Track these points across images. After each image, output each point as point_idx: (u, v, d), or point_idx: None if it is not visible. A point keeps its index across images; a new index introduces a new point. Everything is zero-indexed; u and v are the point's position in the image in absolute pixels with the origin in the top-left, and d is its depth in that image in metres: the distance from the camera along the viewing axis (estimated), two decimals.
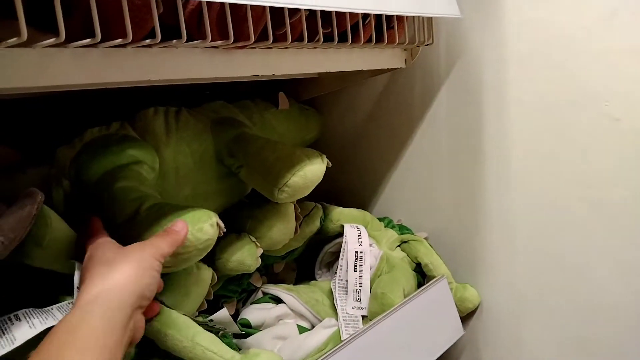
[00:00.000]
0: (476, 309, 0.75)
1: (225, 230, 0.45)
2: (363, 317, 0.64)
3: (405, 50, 0.69)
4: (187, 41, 0.40)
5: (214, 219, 0.44)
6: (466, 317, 0.75)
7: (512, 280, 0.70)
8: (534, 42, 0.62)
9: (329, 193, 0.85)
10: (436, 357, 0.67)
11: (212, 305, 0.57)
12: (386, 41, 0.60)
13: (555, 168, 0.63)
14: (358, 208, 0.78)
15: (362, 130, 0.88)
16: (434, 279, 0.70)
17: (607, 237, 0.61)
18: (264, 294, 0.66)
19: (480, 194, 0.72)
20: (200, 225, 0.42)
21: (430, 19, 0.65)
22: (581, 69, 0.59)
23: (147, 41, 0.39)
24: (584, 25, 0.58)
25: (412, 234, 0.79)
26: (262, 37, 0.47)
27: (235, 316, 0.63)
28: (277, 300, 0.65)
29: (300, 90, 0.85)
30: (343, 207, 0.76)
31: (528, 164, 0.66)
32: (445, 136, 0.75)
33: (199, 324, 0.47)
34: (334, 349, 0.54)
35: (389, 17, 0.58)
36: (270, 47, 0.51)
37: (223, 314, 0.55)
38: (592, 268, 0.62)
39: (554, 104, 0.62)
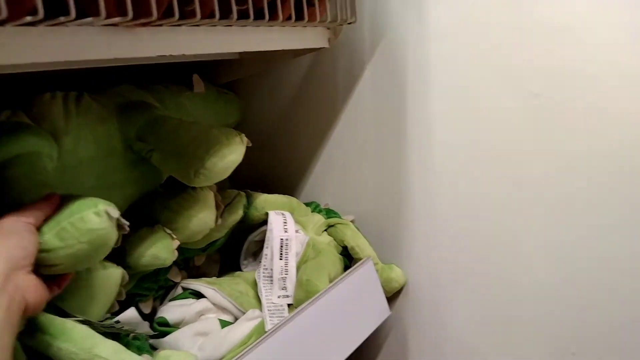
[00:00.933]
0: (402, 288, 0.76)
1: (128, 224, 0.41)
2: (289, 305, 0.63)
3: (328, 29, 0.67)
4: (78, 18, 0.36)
5: (101, 206, 0.39)
6: (392, 297, 0.77)
7: (437, 260, 0.72)
8: (455, 19, 0.62)
9: (253, 180, 0.83)
10: (363, 339, 0.68)
11: (126, 306, 0.53)
12: (307, 19, 0.57)
13: (477, 146, 0.64)
14: (284, 194, 0.76)
15: (287, 113, 0.85)
16: (360, 262, 0.71)
17: (530, 215, 0.61)
18: (184, 289, 0.63)
19: (404, 176, 0.72)
20: (81, 215, 0.38)
21: None
22: (501, 45, 0.59)
23: (29, 18, 0.34)
24: (504, 1, 0.58)
25: (339, 217, 0.78)
26: (168, 13, 0.43)
27: (153, 315, 0.60)
28: (198, 296, 0.62)
29: (220, 73, 0.81)
30: (269, 194, 0.74)
31: (450, 145, 0.67)
32: (370, 118, 0.74)
33: (105, 328, 0.44)
34: (258, 340, 0.53)
35: None
36: (179, 25, 0.47)
37: (130, 314, 0.51)
38: (516, 247, 0.64)
39: (475, 81, 0.62)
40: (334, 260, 0.70)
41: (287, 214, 0.69)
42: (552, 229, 0.60)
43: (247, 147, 0.55)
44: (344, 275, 0.67)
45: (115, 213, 0.40)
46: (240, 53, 0.73)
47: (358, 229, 0.76)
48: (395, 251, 0.77)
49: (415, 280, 0.75)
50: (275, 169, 0.89)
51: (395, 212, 0.75)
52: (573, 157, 0.57)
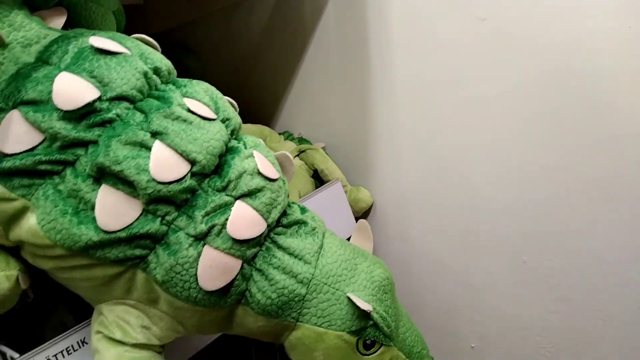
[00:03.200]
0: (370, 208, 0.83)
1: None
2: None
3: None
4: None
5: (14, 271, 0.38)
6: (360, 217, 0.83)
7: (400, 182, 0.77)
8: None
9: None
10: None
11: None
12: None
13: (431, 72, 0.68)
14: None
15: (258, 48, 0.89)
16: (329, 182, 0.76)
17: (484, 135, 0.65)
18: None
19: (369, 104, 0.77)
20: None
21: None
22: None
23: None
24: None
25: (311, 144, 0.83)
26: None
27: None
28: None
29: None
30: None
31: (407, 71, 0.71)
32: (335, 51, 0.78)
33: None
34: None
35: None
36: None
37: None
38: (472, 163, 0.68)
39: (424, 7, 0.66)
40: (305, 180, 0.75)
41: (259, 140, 0.74)
42: (502, 144, 0.65)
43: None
44: (313, 192, 0.72)
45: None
46: None
47: (328, 154, 0.81)
48: (363, 175, 0.82)
49: (381, 201, 0.82)
50: (250, 101, 0.93)
51: (363, 139, 0.80)
52: (520, 78, 0.61)
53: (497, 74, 0.63)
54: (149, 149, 0.35)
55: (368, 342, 0.40)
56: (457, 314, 0.77)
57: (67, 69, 0.37)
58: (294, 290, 0.39)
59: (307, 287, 0.39)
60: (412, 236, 0.79)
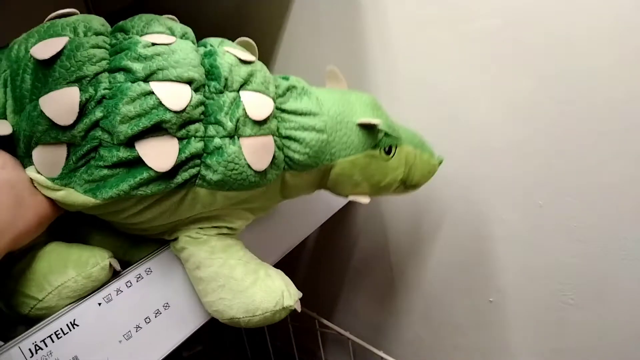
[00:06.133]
0: None
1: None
2: None
3: None
4: None
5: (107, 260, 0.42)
6: None
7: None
8: None
9: None
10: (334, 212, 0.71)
11: None
12: None
13: (427, 7, 0.63)
14: None
15: (244, 4, 0.84)
16: None
17: (489, 70, 0.60)
18: None
19: (362, 50, 0.72)
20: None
21: None
22: None
23: None
24: None
25: None
26: None
27: None
28: None
29: None
30: None
31: (402, 11, 0.65)
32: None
33: None
34: None
35: None
36: None
37: None
38: (478, 106, 0.63)
39: None
40: None
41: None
42: (508, 80, 0.59)
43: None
44: None
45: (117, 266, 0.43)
46: None
47: None
48: None
49: None
50: None
51: (358, 88, 0.74)
52: (527, 5, 0.55)
53: (500, 3, 0.57)
54: (151, 92, 0.38)
55: (386, 148, 0.50)
56: (472, 268, 0.73)
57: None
58: (319, 139, 0.46)
59: (326, 132, 0.46)
60: (418, 191, 0.75)
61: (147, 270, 0.45)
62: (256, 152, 0.42)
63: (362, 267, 0.90)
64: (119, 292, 0.42)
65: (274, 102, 0.45)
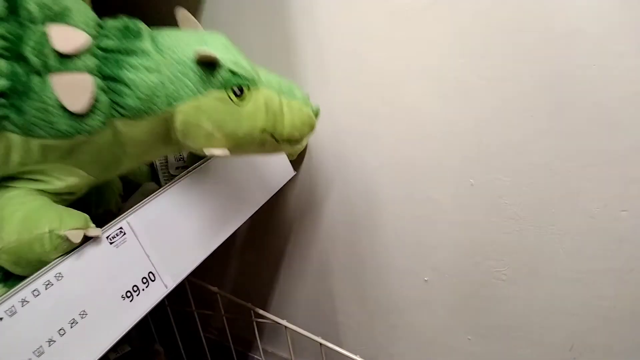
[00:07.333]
0: (304, 150, 0.76)
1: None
2: None
3: None
4: None
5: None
6: (296, 160, 0.76)
7: (332, 114, 0.70)
8: None
9: None
10: (268, 198, 0.68)
11: None
12: None
13: None
14: None
15: None
16: None
17: (416, 48, 0.59)
18: None
19: (289, 30, 0.68)
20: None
21: None
22: None
23: None
24: None
25: None
26: None
27: None
28: None
29: None
30: None
31: None
32: None
33: None
34: (155, 193, 0.49)
35: None
36: None
37: None
38: (407, 86, 0.62)
39: None
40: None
41: None
42: (435, 58, 0.59)
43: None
44: None
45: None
46: None
47: None
48: None
49: (315, 140, 0.75)
50: None
51: (286, 70, 0.71)
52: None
53: None
54: None
55: (235, 89, 0.44)
56: (406, 249, 0.73)
57: None
58: (148, 79, 0.41)
59: (157, 71, 0.42)
60: (350, 175, 0.74)
61: (58, 275, 0.39)
62: (70, 90, 0.39)
63: (296, 254, 0.88)
64: (25, 302, 0.37)
65: (94, 40, 0.42)
